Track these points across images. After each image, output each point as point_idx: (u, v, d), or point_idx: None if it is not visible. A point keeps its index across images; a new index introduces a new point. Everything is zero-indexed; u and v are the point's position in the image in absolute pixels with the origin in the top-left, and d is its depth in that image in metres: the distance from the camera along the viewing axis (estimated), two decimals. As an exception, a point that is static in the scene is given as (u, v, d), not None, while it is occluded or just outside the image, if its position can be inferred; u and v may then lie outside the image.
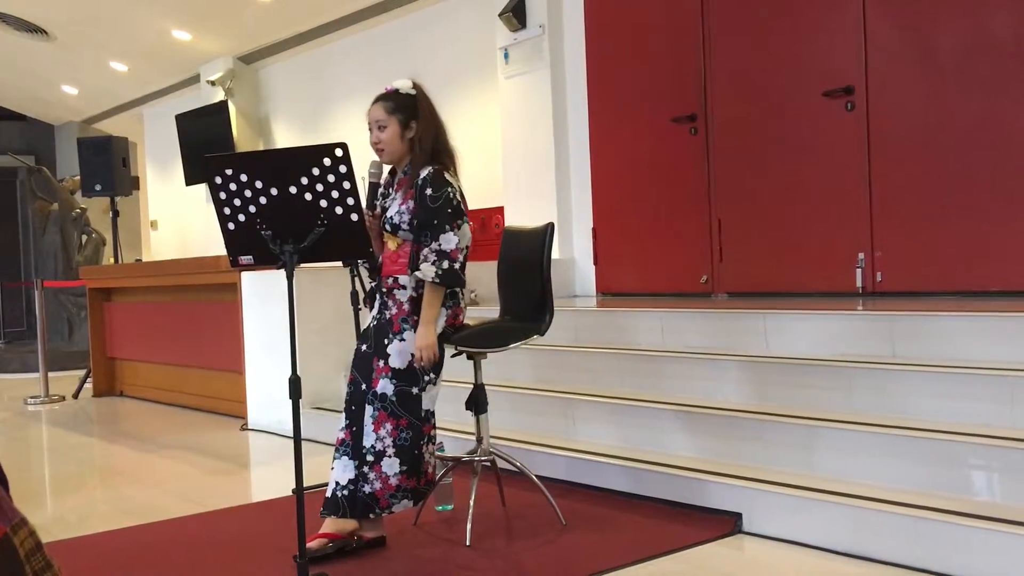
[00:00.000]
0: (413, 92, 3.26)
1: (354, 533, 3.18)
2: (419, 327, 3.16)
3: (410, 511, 3.40)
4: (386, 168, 3.35)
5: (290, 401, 2.78)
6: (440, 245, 3.12)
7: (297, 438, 2.83)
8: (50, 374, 8.00)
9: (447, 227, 3.13)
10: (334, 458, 3.24)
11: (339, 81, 9.56)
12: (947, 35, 4.72)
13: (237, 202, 2.82)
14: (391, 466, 3.15)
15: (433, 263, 3.11)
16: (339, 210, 2.78)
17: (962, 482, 3.02)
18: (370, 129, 3.25)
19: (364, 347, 3.28)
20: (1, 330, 13.99)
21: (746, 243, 5.60)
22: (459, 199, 3.19)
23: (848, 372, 3.64)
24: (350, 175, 2.76)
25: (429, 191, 3.14)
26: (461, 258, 3.14)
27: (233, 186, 2.80)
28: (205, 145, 10.24)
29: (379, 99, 3.26)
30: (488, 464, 3.54)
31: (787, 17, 5.38)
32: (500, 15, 6.74)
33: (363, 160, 3.23)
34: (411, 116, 3.22)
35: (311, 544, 3.05)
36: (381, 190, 3.33)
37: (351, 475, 3.18)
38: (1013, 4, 4.49)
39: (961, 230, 4.69)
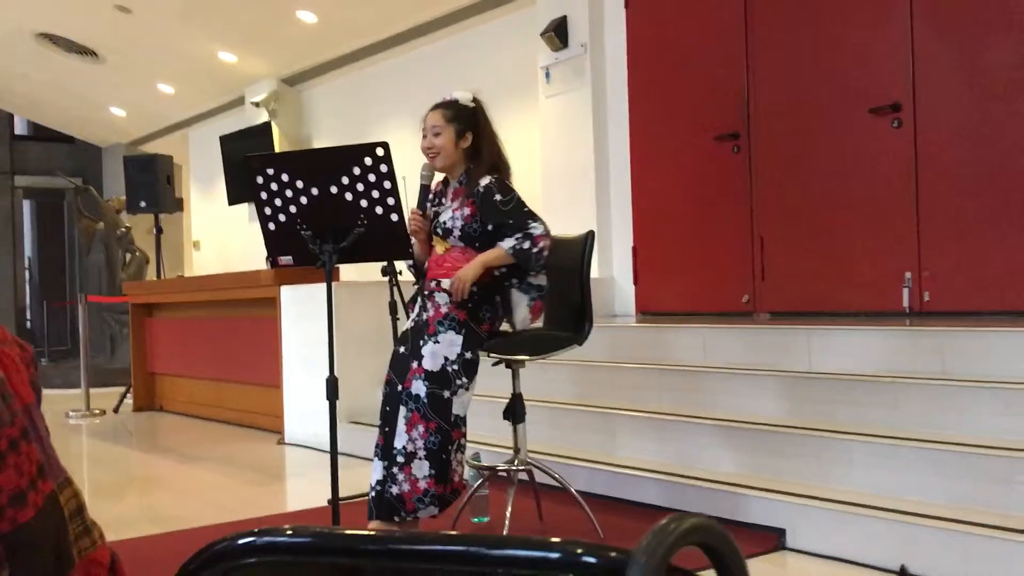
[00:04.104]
0: (472, 105, 3.31)
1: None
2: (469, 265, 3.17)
3: (444, 521, 3.36)
4: (438, 176, 3.37)
5: (327, 415, 2.75)
6: (528, 230, 3.16)
7: (333, 440, 2.81)
8: (92, 390, 8.06)
9: (528, 221, 3.18)
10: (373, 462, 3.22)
11: (380, 103, 9.63)
12: (996, 51, 4.65)
13: (278, 202, 2.83)
14: (420, 468, 3.11)
15: (516, 239, 3.15)
16: (379, 210, 2.78)
17: (1012, 498, 2.93)
18: (424, 135, 3.28)
19: (402, 349, 3.26)
20: (46, 349, 14.18)
21: (789, 262, 5.53)
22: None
23: (894, 388, 3.55)
24: (391, 175, 2.76)
25: (498, 197, 3.20)
26: (542, 244, 3.15)
27: (274, 186, 2.81)
28: (248, 166, 10.32)
29: (438, 106, 3.29)
30: (525, 478, 3.49)
31: (832, 33, 5.32)
32: (542, 35, 6.76)
33: (403, 165, 3.23)
34: (467, 127, 3.27)
35: None
36: (430, 195, 3.34)
37: (379, 476, 3.16)
38: (1065, 19, 4.41)
39: (1011, 249, 4.58)
